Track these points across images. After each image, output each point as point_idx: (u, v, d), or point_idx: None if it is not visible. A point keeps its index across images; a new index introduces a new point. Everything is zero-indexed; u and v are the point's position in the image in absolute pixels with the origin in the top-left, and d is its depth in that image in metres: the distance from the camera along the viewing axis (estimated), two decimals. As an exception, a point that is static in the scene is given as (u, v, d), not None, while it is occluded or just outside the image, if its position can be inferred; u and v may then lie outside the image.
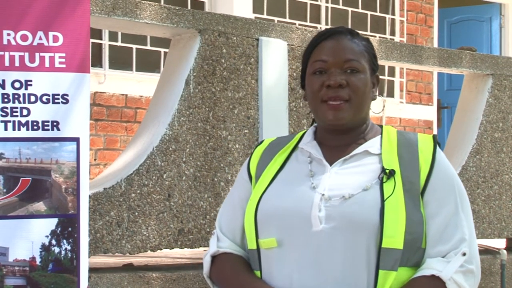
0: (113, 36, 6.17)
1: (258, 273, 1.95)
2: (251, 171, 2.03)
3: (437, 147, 1.93)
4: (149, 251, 3.31)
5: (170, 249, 3.35)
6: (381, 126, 2.01)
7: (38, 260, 2.73)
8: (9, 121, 2.71)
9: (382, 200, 1.83)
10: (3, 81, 2.71)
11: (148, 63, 6.41)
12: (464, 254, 1.84)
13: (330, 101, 1.92)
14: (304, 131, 2.06)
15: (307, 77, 1.98)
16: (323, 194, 1.88)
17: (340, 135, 1.96)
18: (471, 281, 1.87)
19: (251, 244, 1.96)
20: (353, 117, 1.93)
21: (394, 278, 1.81)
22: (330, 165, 1.93)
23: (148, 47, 6.40)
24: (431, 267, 1.83)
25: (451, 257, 1.84)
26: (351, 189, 1.86)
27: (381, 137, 1.96)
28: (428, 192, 1.88)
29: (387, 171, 1.87)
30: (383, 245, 1.80)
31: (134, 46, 6.33)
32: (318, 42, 1.99)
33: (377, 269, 1.81)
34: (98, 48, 5.99)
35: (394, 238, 1.81)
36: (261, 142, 2.09)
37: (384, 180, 1.86)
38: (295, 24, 6.63)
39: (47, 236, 2.74)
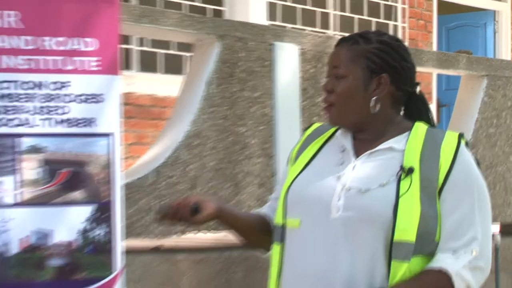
0: (141, 41, 6.20)
1: (279, 246, 1.98)
2: (293, 154, 2.05)
3: (462, 146, 1.88)
4: (175, 235, 3.34)
5: (195, 233, 3.39)
6: (414, 123, 1.96)
7: (77, 243, 2.75)
8: (50, 119, 2.74)
9: (397, 197, 1.81)
10: (45, 82, 2.74)
11: (173, 66, 6.42)
12: (474, 252, 1.82)
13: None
14: None
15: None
16: (344, 185, 1.88)
17: (356, 132, 1.95)
18: (478, 276, 1.84)
19: (278, 219, 1.98)
20: (341, 119, 1.94)
21: (406, 268, 1.79)
22: (358, 157, 1.91)
23: (173, 52, 6.42)
24: (440, 261, 1.81)
25: (461, 254, 1.82)
26: (369, 183, 1.85)
27: (409, 133, 1.93)
28: (445, 190, 1.84)
29: (406, 168, 1.84)
30: (395, 238, 1.79)
31: (160, 51, 6.35)
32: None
33: (390, 259, 1.80)
34: (127, 53, 6.01)
35: (407, 232, 1.79)
36: (310, 126, 2.09)
37: (402, 177, 1.83)
38: (306, 30, 6.64)
39: (84, 222, 2.76)
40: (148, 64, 6.28)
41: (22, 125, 2.71)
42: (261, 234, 2.09)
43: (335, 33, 7.40)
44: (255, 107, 3.66)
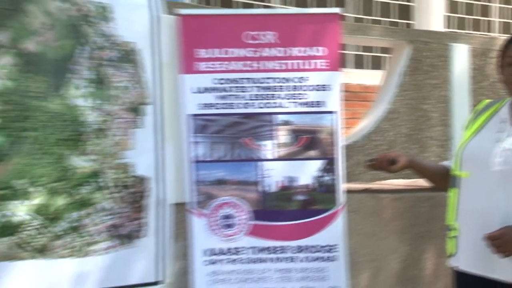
0: (355, 48, 6.17)
1: (454, 190, 1.93)
2: (466, 123, 2.01)
3: None
4: (379, 181, 3.32)
5: (394, 179, 3.35)
6: None
7: (313, 185, 2.78)
8: (295, 102, 2.77)
9: None
10: (292, 78, 2.77)
11: (376, 63, 6.33)
12: None
13: None
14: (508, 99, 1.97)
15: (503, 66, 1.90)
16: (503, 147, 1.82)
17: None
18: None
19: (454, 171, 1.94)
20: None
21: None
22: None
23: (376, 54, 6.33)
24: None
25: None
26: None
27: None
28: None
29: None
30: None
31: (367, 54, 6.28)
32: (508, 44, 1.90)
33: None
34: (345, 56, 6.02)
35: None
36: (480, 102, 2.03)
37: None
38: (474, 34, 6.25)
39: (318, 171, 2.78)
40: (359, 63, 6.24)
41: (276, 106, 2.76)
42: (442, 180, 2.05)
43: (498, 35, 6.89)
44: (436, 91, 3.52)
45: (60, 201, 2.40)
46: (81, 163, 2.44)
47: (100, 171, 2.49)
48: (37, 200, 2.34)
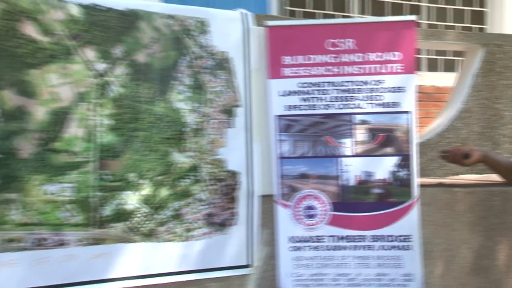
0: (428, 52, 6.04)
1: None
2: None
3: None
4: (452, 176, 3.26)
5: (467, 174, 3.27)
6: None
7: (389, 179, 2.78)
8: (372, 103, 2.78)
9: None
10: (369, 81, 2.77)
11: (449, 66, 6.16)
12: None
13: None
14: None
15: None
16: None
17: None
18: None
19: None
20: None
21: None
22: None
23: (449, 57, 6.16)
24: None
25: None
26: None
27: None
28: None
29: None
30: None
31: (440, 57, 6.13)
32: None
33: None
34: (419, 59, 5.91)
35: None
36: None
37: None
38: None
39: (394, 166, 2.78)
40: (432, 66, 6.10)
41: (355, 107, 2.77)
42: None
43: None
44: (509, 91, 3.40)
45: (164, 192, 2.55)
46: (181, 159, 2.58)
47: (198, 166, 2.61)
48: (145, 191, 2.50)
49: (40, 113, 2.28)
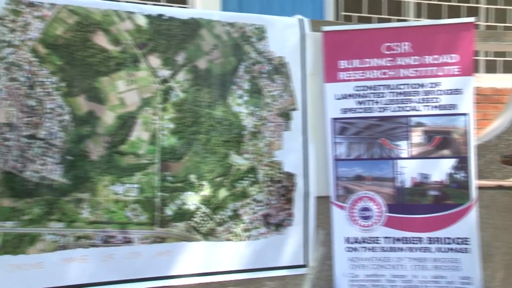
0: (486, 53, 5.91)
1: None
2: None
3: None
4: (511, 178, 3.18)
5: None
6: None
7: (446, 181, 2.76)
8: (428, 105, 2.76)
9: None
10: (425, 83, 2.76)
11: (508, 68, 6.00)
12: None
13: None
14: None
15: None
16: None
17: None
18: None
19: None
20: None
21: None
22: None
23: (509, 58, 6.00)
24: None
25: None
26: None
27: None
28: None
29: None
30: None
31: (499, 59, 5.98)
32: None
33: None
34: (477, 61, 5.78)
35: None
36: None
37: None
38: None
39: (451, 168, 2.75)
40: (491, 67, 5.95)
41: (411, 110, 2.76)
42: None
43: None
44: None
45: (223, 193, 2.62)
46: (239, 161, 2.65)
47: (255, 168, 2.67)
48: (205, 192, 2.58)
49: (108, 117, 2.40)
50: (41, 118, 2.30)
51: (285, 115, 2.73)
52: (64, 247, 2.34)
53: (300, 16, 2.78)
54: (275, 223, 2.71)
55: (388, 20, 5.63)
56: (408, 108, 2.76)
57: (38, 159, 2.29)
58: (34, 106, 2.29)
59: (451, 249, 2.74)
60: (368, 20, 5.64)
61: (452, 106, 2.74)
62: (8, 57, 2.25)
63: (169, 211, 2.52)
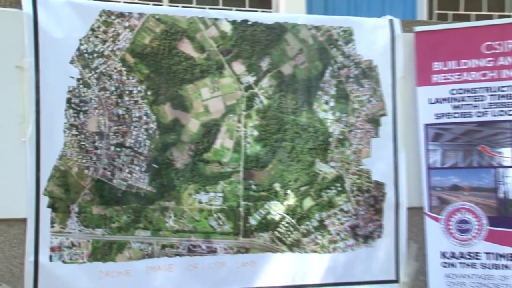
0: None
1: None
2: None
3: None
4: None
5: None
6: None
7: None
8: (504, 111, 2.57)
9: None
10: (500, 87, 2.59)
11: None
12: None
13: None
14: None
15: None
16: None
17: None
18: None
19: None
20: None
21: None
22: None
23: None
24: None
25: None
26: None
27: None
28: None
29: None
30: None
31: None
32: None
33: None
34: None
35: None
36: None
37: None
38: None
39: None
40: None
41: (516, 113, 2.60)
42: None
43: None
44: None
45: (308, 202, 2.55)
46: (325, 169, 2.56)
47: (342, 177, 2.58)
48: (289, 201, 2.52)
49: (193, 125, 2.41)
50: (129, 127, 2.33)
51: (374, 121, 2.62)
52: (150, 256, 2.35)
53: (390, 17, 2.67)
54: (364, 234, 2.60)
55: (489, 17, 5.31)
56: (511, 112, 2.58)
57: (125, 167, 2.33)
58: (122, 114, 2.33)
59: None
60: (465, 18, 5.34)
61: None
62: (99, 67, 2.30)
63: (253, 221, 2.47)
